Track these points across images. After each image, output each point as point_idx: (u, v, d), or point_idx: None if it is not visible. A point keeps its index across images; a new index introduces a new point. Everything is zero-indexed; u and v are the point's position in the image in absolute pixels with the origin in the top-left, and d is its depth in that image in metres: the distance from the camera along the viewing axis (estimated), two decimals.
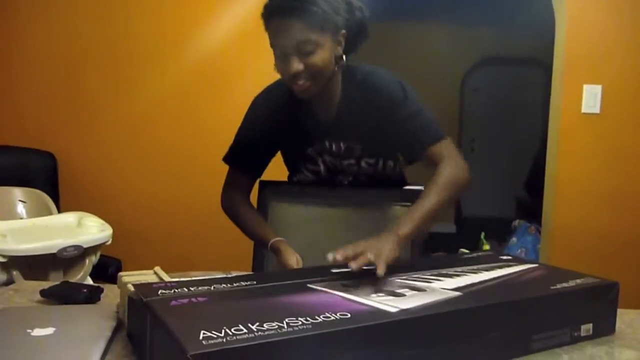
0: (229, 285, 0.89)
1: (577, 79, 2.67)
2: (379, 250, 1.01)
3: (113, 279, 1.13)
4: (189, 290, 0.85)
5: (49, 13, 2.70)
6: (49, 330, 0.89)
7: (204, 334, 0.66)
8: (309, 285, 0.90)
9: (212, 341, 0.64)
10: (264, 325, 0.69)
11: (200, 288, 0.86)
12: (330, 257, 0.99)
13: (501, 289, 0.93)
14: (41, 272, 1.92)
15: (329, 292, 0.86)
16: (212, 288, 0.87)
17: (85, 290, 1.11)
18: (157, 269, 1.14)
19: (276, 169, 1.57)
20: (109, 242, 2.08)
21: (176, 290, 0.85)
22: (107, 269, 2.25)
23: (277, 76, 1.35)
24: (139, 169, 2.75)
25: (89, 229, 2.07)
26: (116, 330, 0.95)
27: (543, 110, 3.50)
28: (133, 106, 2.74)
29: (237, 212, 1.48)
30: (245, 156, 1.48)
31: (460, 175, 1.30)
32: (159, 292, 0.83)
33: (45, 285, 1.14)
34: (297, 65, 1.24)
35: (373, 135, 1.42)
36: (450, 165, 1.30)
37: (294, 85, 1.29)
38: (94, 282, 2.12)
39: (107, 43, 2.71)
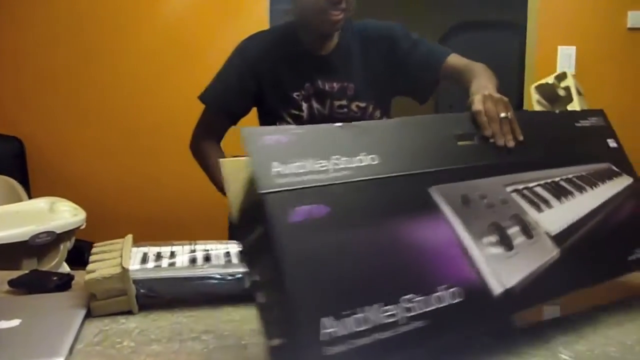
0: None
1: (551, 40, 2.66)
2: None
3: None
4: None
5: None
6: (14, 322, 0.86)
7: None
8: (431, 194, 0.77)
9: None
10: (386, 308, 0.65)
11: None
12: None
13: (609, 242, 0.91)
14: (14, 261, 1.87)
15: (445, 224, 0.75)
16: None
17: (55, 278, 1.07)
18: (129, 238, 1.12)
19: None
20: (83, 226, 2.04)
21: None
22: (83, 253, 2.19)
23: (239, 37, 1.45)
24: (110, 148, 2.70)
25: (61, 214, 2.02)
26: (87, 318, 0.92)
27: (519, 72, 3.50)
28: (101, 85, 2.67)
29: (207, 157, 1.49)
30: (227, 99, 1.47)
31: (491, 70, 1.33)
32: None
33: (15, 274, 1.10)
34: None
35: (369, 75, 1.44)
36: (480, 64, 1.36)
37: (329, 14, 1.29)
38: (70, 268, 2.08)
39: (75, 19, 2.62)
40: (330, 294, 0.63)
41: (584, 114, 1.08)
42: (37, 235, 1.86)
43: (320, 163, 0.71)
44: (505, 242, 0.79)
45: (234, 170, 0.76)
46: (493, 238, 0.78)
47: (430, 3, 6.45)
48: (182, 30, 2.64)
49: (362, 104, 1.44)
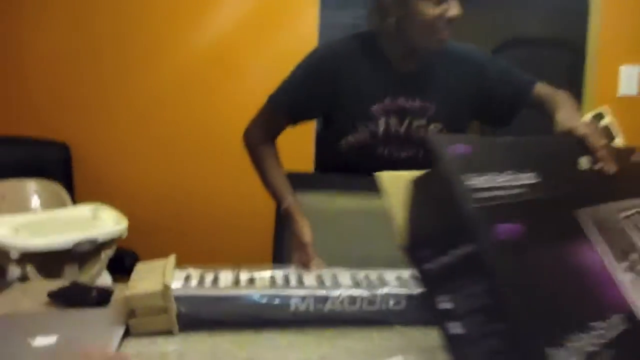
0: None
1: (613, 59, 2.54)
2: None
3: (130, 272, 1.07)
4: None
5: (58, 2, 2.63)
6: (52, 339, 0.82)
7: None
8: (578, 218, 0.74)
9: None
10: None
11: None
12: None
13: None
14: (56, 267, 1.87)
15: (595, 249, 0.72)
16: None
17: (94, 293, 1.03)
18: (172, 257, 1.07)
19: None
20: (125, 235, 2.02)
21: None
22: (124, 262, 2.19)
23: (292, 60, 1.36)
24: (154, 157, 2.68)
25: (104, 222, 2.01)
26: (125, 336, 0.88)
27: (574, 93, 3.36)
28: (146, 94, 2.66)
29: (261, 153, 1.42)
30: (297, 101, 1.40)
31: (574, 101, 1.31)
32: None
33: (54, 286, 1.07)
34: (460, 9, 1.24)
35: (450, 97, 1.38)
36: (564, 93, 1.33)
37: (440, 34, 1.26)
38: (111, 275, 2.07)
39: (117, 30, 2.63)
40: (549, 320, 0.58)
41: None
42: (79, 243, 1.85)
43: (502, 177, 0.67)
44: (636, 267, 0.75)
45: (394, 184, 0.71)
46: (624, 264, 0.74)
47: (482, 17, 6.32)
48: (226, 44, 2.62)
49: (440, 126, 1.38)
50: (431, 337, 0.92)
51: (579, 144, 0.92)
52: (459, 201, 0.61)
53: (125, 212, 2.08)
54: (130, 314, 0.91)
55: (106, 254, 2.01)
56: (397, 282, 1.02)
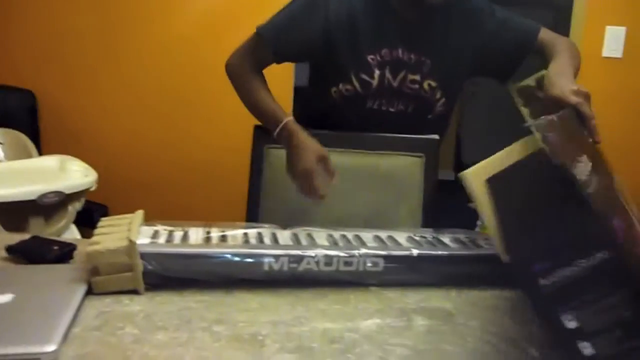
0: None
1: (599, 20, 2.49)
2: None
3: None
4: None
5: None
6: (7, 297, 0.77)
7: None
8: None
9: None
10: None
11: None
12: None
13: None
14: (21, 220, 1.80)
15: None
16: None
17: (56, 248, 0.98)
18: (139, 213, 1.02)
19: None
20: (94, 188, 1.96)
21: None
22: (92, 215, 2.12)
23: None
24: (128, 109, 2.59)
25: (71, 174, 1.93)
26: (87, 295, 0.83)
27: None
28: (121, 46, 2.55)
29: (248, 78, 1.32)
30: (287, 39, 1.31)
31: (576, 47, 1.29)
32: None
33: (14, 240, 1.01)
34: None
35: (449, 54, 1.32)
36: (565, 39, 1.30)
37: None
38: (79, 229, 2.01)
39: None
40: None
41: None
42: (45, 195, 1.78)
43: None
44: None
45: (479, 179, 0.64)
46: None
47: None
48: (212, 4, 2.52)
49: (434, 84, 1.32)
50: (408, 298, 0.90)
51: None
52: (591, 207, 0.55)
53: (95, 164, 2.01)
54: (94, 271, 0.85)
55: (74, 207, 1.94)
56: (375, 242, 0.99)
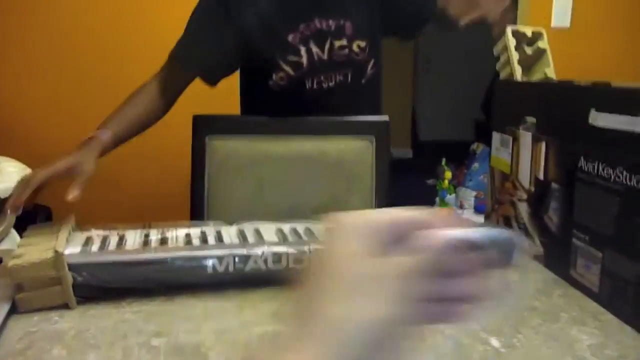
0: None
1: None
2: None
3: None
4: None
5: None
6: None
7: None
8: None
9: None
10: None
11: None
12: None
13: None
14: None
15: None
16: None
17: None
18: (69, 218, 0.95)
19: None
20: None
21: None
22: (36, 218, 2.01)
23: None
24: (68, 105, 2.45)
25: (7, 175, 1.81)
26: (11, 314, 0.76)
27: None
28: (53, 30, 2.41)
29: (129, 99, 1.21)
30: (198, 50, 1.24)
31: None
32: None
33: None
34: None
35: (364, 12, 1.29)
36: None
37: None
38: (20, 235, 1.89)
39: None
40: None
41: None
42: None
43: None
44: None
45: None
46: None
47: None
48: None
49: (363, 44, 1.28)
50: None
51: None
52: None
53: (33, 164, 1.89)
54: (18, 288, 0.78)
55: None
56: None
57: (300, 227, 0.96)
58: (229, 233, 0.93)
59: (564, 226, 0.92)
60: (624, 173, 0.77)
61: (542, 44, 1.38)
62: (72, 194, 0.92)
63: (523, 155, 1.04)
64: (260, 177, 1.21)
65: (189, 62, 1.24)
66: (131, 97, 1.20)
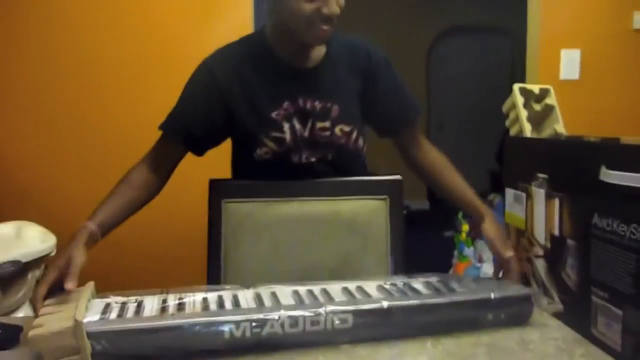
0: None
1: (554, 44, 2.53)
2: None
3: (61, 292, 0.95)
4: None
5: None
6: None
7: None
8: None
9: None
10: None
11: None
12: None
13: None
14: None
15: None
16: None
17: None
18: (89, 286, 0.96)
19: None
20: (54, 253, 1.87)
21: None
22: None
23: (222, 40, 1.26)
24: (86, 165, 2.50)
25: (29, 241, 1.85)
26: None
27: (512, 78, 3.38)
28: (75, 95, 2.47)
29: (124, 176, 1.23)
30: (189, 123, 1.26)
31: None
32: None
33: None
34: (336, 7, 1.15)
35: (351, 98, 1.29)
36: (443, 158, 1.37)
37: (318, 30, 1.16)
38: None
39: (46, 20, 2.43)
40: None
41: None
42: (1, 266, 1.70)
43: None
44: None
45: None
46: None
47: (421, 7, 6.35)
48: (154, 37, 2.47)
49: (347, 128, 1.28)
50: (381, 355, 0.84)
51: None
52: None
53: (53, 228, 1.93)
54: (38, 357, 0.79)
55: (33, 275, 1.85)
56: (343, 296, 0.94)
57: (316, 288, 0.96)
58: (246, 297, 0.93)
59: (582, 283, 0.91)
60: (639, 230, 0.77)
61: (550, 100, 1.40)
62: (68, 286, 0.94)
63: (537, 211, 1.04)
64: (276, 239, 1.22)
65: (176, 133, 1.26)
66: (123, 180, 1.22)
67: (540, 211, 1.03)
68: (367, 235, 1.25)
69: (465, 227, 2.88)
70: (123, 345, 0.81)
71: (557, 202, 0.97)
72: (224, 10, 2.47)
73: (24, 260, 1.77)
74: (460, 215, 3.60)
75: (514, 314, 0.95)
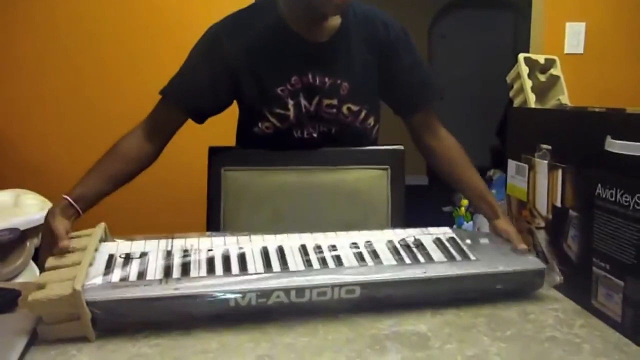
0: None
1: (559, 17, 2.50)
2: None
3: None
4: None
5: None
6: None
7: None
8: None
9: None
10: None
11: None
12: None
13: None
14: None
15: None
16: None
17: None
18: (99, 228, 0.99)
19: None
20: None
21: None
22: None
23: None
24: (84, 137, 2.49)
25: (27, 209, 1.84)
26: (32, 344, 0.76)
27: (514, 53, 3.35)
28: (75, 70, 2.46)
29: (115, 144, 1.19)
30: (192, 93, 1.21)
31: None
32: None
33: None
34: None
35: (365, 74, 1.24)
36: (457, 145, 1.29)
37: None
38: (37, 266, 1.91)
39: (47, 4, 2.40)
40: None
41: None
42: None
43: None
44: None
45: None
46: None
47: None
48: (162, 10, 2.44)
49: (355, 107, 1.24)
50: (381, 324, 0.84)
51: None
52: None
53: (51, 197, 1.92)
54: (39, 319, 0.79)
55: (32, 243, 1.85)
56: (354, 260, 0.92)
57: (325, 248, 0.95)
58: (253, 256, 0.92)
59: (583, 254, 0.91)
60: None
61: (556, 71, 1.39)
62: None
63: (539, 183, 1.03)
64: (276, 207, 1.21)
65: (178, 99, 1.22)
66: (110, 151, 1.17)
67: (542, 182, 1.02)
68: (368, 204, 1.25)
69: (465, 202, 2.87)
70: (123, 312, 0.80)
71: (560, 173, 0.96)
72: None
73: (22, 228, 1.76)
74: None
75: (525, 286, 0.95)
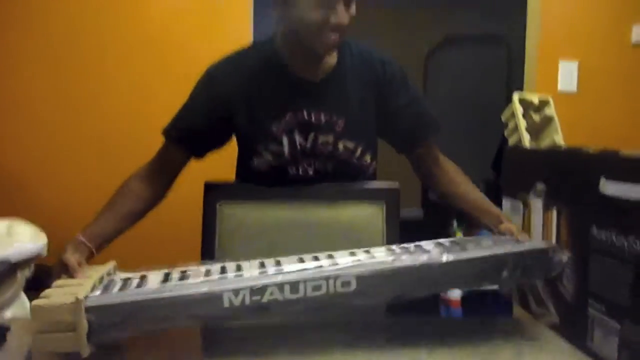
0: None
1: (552, 55, 2.54)
2: None
3: None
4: None
5: None
6: None
7: None
8: None
9: None
10: None
11: None
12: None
13: None
14: None
15: None
16: None
17: None
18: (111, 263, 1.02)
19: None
20: (45, 254, 1.85)
21: None
22: (43, 280, 2.00)
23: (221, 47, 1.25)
24: (78, 164, 2.49)
25: (19, 239, 1.82)
26: None
27: (507, 89, 3.40)
28: (70, 95, 2.47)
29: (123, 184, 1.24)
30: (191, 132, 1.25)
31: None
32: None
33: None
34: (345, 17, 1.12)
35: (361, 112, 1.25)
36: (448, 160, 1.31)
37: (327, 38, 1.13)
38: (27, 296, 1.88)
39: (41, 10, 2.42)
40: None
41: None
42: None
43: None
44: None
45: None
46: None
47: (420, 15, 6.34)
48: (154, 44, 2.47)
49: (351, 145, 1.25)
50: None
51: None
52: None
53: (45, 227, 1.90)
54: (28, 354, 0.78)
55: (23, 274, 1.82)
56: (349, 257, 0.92)
57: (322, 255, 0.94)
58: (250, 265, 0.92)
59: (579, 295, 0.90)
60: (638, 242, 0.77)
61: (549, 111, 1.41)
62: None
63: (534, 221, 1.03)
64: (271, 242, 1.20)
65: (178, 138, 1.25)
66: (120, 190, 1.21)
67: (537, 221, 1.02)
68: (363, 240, 1.24)
69: (459, 234, 2.88)
70: (119, 318, 0.79)
71: (554, 212, 0.97)
72: (223, 19, 2.48)
73: (13, 260, 1.74)
74: (454, 224, 3.60)
75: (531, 270, 0.92)
